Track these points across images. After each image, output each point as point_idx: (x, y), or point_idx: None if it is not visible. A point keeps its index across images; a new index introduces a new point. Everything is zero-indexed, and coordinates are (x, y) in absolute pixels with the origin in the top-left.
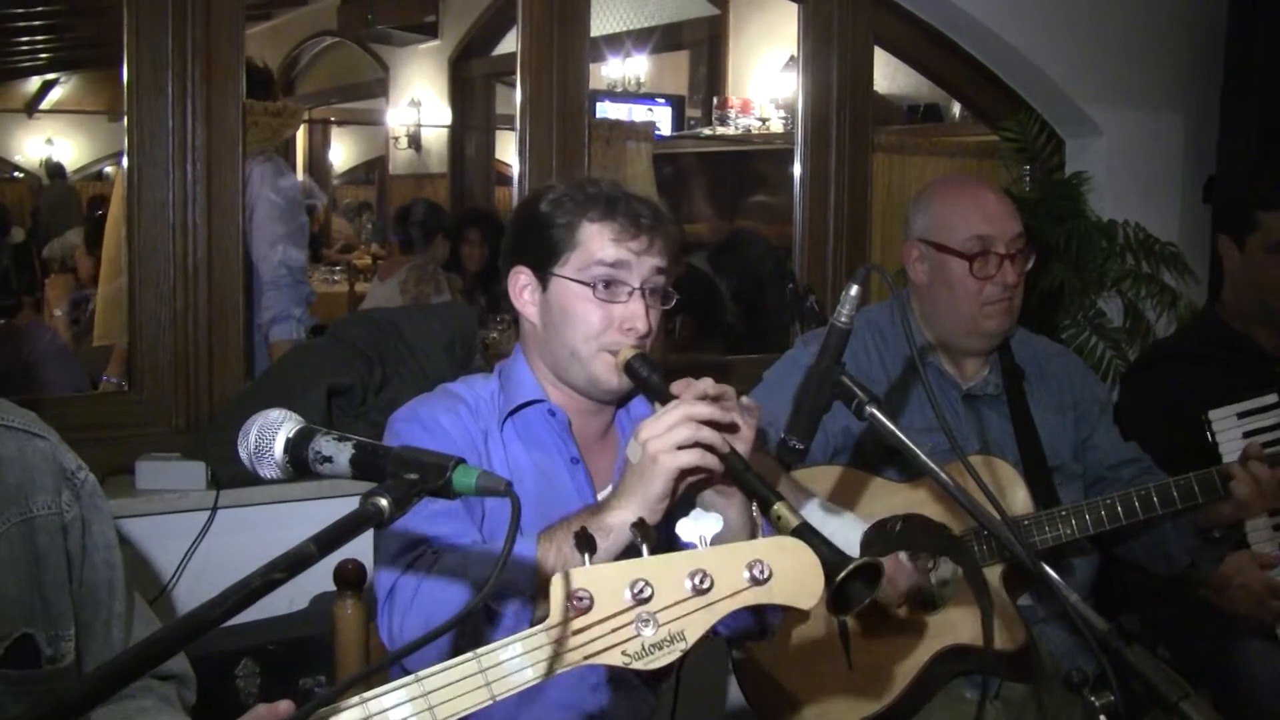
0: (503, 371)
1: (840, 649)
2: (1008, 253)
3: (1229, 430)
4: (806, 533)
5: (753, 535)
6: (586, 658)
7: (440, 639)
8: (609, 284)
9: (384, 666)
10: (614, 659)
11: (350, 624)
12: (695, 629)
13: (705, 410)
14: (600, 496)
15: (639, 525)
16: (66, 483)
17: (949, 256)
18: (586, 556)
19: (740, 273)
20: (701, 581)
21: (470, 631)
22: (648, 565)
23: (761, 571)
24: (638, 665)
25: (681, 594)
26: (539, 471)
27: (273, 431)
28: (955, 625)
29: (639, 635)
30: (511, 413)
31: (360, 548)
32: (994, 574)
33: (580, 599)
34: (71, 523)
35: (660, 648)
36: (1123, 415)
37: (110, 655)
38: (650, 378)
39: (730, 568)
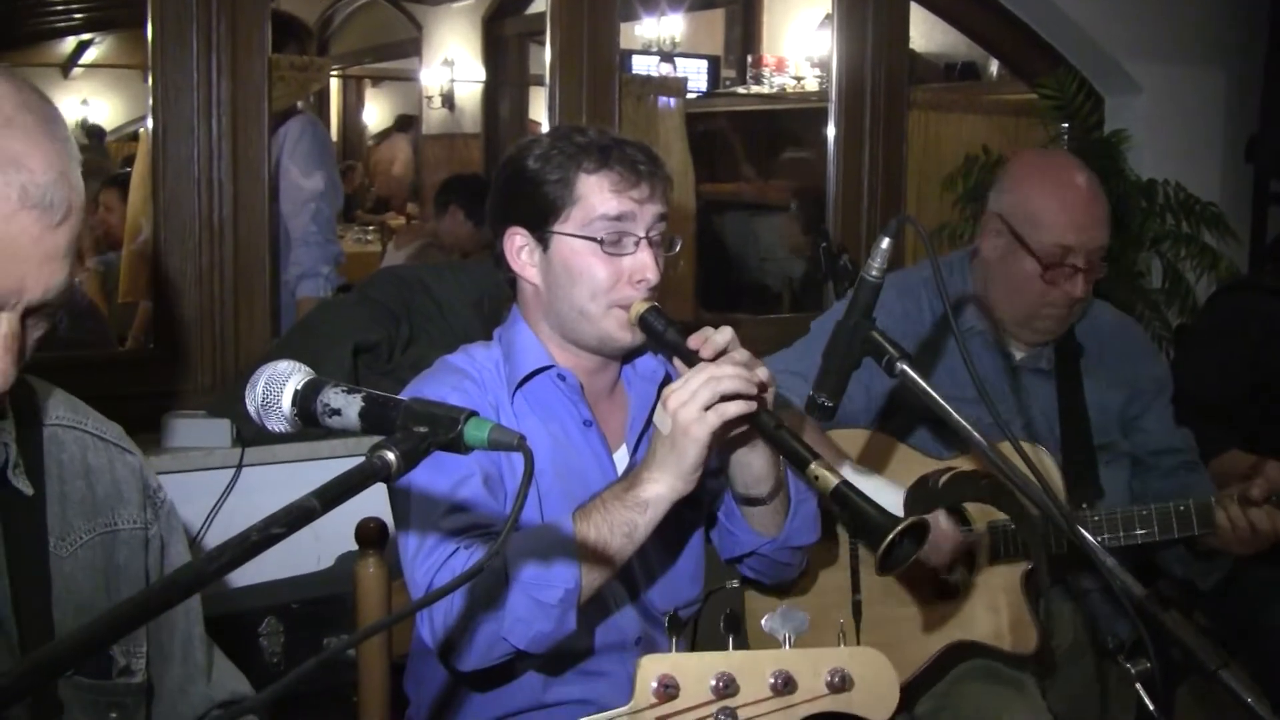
0: (503, 338)
1: (853, 627)
2: (1084, 266)
3: None
4: (847, 491)
5: (779, 483)
6: None
7: (471, 629)
8: (615, 237)
9: (396, 621)
10: None
11: (372, 583)
12: None
13: (731, 373)
14: (615, 457)
15: (728, 617)
16: (149, 500)
17: (1024, 253)
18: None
19: None
20: (784, 684)
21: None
22: (734, 659)
23: (842, 680)
24: None
25: (763, 692)
26: (554, 440)
27: (280, 383)
28: (972, 620)
29: None
30: (521, 383)
31: (380, 506)
32: (1015, 572)
33: (668, 686)
34: (152, 539)
35: None
36: (1202, 333)
37: (190, 678)
38: (666, 332)
39: (811, 671)
